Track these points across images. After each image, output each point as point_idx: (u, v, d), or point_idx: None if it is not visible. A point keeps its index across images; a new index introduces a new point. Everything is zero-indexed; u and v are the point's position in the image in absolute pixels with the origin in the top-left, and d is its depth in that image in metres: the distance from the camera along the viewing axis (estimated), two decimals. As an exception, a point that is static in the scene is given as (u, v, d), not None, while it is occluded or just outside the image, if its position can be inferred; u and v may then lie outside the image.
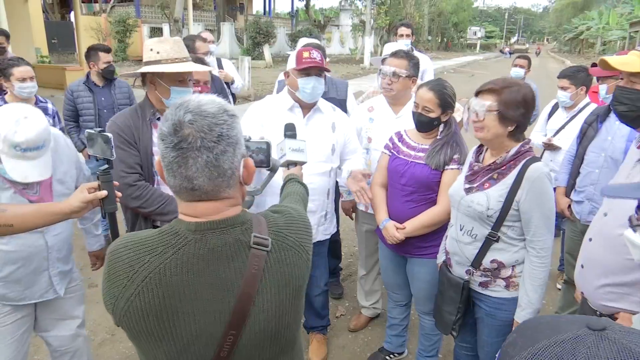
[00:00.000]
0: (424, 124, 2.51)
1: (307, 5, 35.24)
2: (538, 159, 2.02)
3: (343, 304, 3.75)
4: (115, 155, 1.76)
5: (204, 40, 4.51)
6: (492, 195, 2.03)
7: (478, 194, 2.08)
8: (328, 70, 2.59)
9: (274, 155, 1.84)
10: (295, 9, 36.94)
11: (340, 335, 3.35)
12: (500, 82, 2.02)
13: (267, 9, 36.69)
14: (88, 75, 4.29)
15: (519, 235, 2.06)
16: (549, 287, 4.05)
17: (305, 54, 2.51)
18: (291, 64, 2.59)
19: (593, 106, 3.68)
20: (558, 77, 3.92)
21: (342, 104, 3.44)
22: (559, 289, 3.82)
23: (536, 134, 4.19)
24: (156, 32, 23.39)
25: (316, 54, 2.53)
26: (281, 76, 4.04)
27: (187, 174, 1.04)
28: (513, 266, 2.10)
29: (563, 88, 3.86)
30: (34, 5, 15.40)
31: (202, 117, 1.03)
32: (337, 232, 3.79)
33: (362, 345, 3.25)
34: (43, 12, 18.87)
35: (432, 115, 2.46)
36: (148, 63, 2.24)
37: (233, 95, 4.87)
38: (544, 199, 1.98)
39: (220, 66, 4.92)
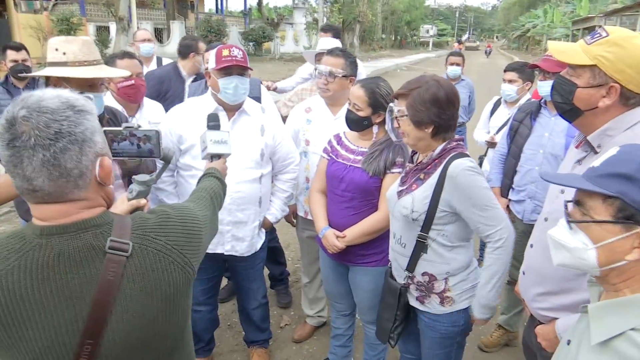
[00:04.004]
0: (352, 122, 2.40)
1: (259, 4, 34.69)
2: (462, 155, 1.90)
3: (288, 313, 3.59)
4: None
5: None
6: (417, 197, 1.92)
7: (406, 197, 1.96)
8: (250, 69, 2.41)
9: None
10: (248, 7, 36.29)
11: (284, 347, 3.19)
12: (409, 85, 1.91)
13: (219, 7, 35.89)
14: (7, 77, 3.97)
15: (450, 242, 1.95)
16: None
17: (225, 52, 2.33)
18: (211, 63, 2.39)
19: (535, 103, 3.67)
20: (505, 71, 3.84)
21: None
22: None
23: (479, 132, 4.12)
24: (103, 30, 22.46)
25: (237, 52, 2.35)
26: (190, 80, 3.88)
27: (24, 174, 0.98)
28: (445, 279, 1.99)
29: (510, 81, 3.78)
30: (-36, 1, 14.52)
31: (39, 112, 0.97)
32: (275, 238, 3.65)
33: (306, 357, 3.11)
34: (-23, 9, 17.76)
35: (362, 114, 2.34)
36: (53, 64, 2.02)
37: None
38: (473, 192, 1.85)
39: (160, 65, 4.72)
